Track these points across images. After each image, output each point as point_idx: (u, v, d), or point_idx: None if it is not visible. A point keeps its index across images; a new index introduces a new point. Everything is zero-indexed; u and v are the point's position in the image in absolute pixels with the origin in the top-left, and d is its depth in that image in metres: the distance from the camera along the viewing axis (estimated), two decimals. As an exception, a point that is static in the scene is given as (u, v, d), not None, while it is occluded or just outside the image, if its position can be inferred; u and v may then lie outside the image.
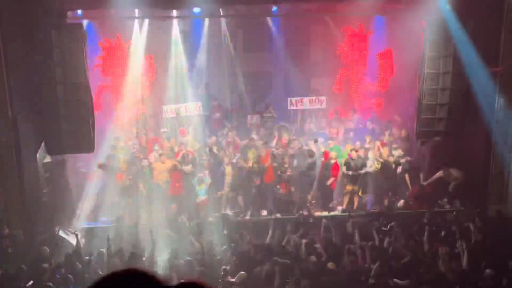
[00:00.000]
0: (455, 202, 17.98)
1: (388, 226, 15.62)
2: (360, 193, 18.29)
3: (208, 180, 18.01)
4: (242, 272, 12.87)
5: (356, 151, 18.20)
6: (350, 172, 17.99)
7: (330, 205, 18.36)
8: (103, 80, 20.55)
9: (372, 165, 18.21)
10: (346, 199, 18.30)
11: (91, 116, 16.12)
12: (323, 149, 18.72)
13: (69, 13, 16.67)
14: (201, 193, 17.96)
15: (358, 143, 19.06)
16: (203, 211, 17.58)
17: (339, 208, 18.26)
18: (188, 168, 17.97)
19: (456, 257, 13.46)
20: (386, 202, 18.09)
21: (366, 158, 18.35)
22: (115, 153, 18.58)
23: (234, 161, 18.23)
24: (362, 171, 18.06)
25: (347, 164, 18.15)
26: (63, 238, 16.05)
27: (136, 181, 17.77)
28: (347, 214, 17.42)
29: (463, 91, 16.94)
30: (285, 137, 19.99)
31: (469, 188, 17.79)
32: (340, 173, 18.33)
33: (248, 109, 21.70)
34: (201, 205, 17.89)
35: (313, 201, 18.27)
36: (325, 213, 17.80)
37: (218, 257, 14.14)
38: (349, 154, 18.27)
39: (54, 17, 15.55)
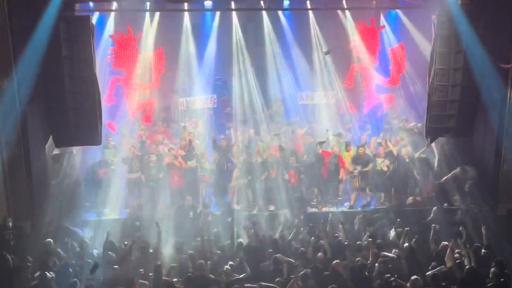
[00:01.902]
0: (466, 200, 17.73)
1: (397, 222, 15.52)
2: (368, 190, 18.22)
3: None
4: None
5: (363, 147, 18.09)
6: (358, 169, 17.91)
7: (336, 201, 18.38)
8: (115, 73, 20.56)
9: (378, 162, 18.13)
10: (353, 196, 18.23)
11: (98, 109, 16.19)
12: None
13: (78, 5, 16.69)
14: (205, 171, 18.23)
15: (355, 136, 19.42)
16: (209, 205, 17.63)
17: (347, 204, 18.20)
18: (192, 163, 18.05)
19: (464, 255, 13.29)
20: (394, 198, 17.94)
21: (372, 154, 18.32)
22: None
23: (242, 156, 18.33)
24: (369, 168, 17.98)
25: (354, 161, 18.05)
26: (70, 230, 16.04)
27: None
28: (355, 210, 17.52)
29: (474, 88, 16.75)
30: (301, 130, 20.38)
31: (479, 186, 17.54)
32: (346, 168, 18.35)
33: (257, 103, 21.61)
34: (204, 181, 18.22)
35: (319, 197, 18.27)
36: (333, 209, 17.71)
37: (221, 252, 14.06)
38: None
39: (63, 9, 15.50)
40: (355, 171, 17.99)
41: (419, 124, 19.61)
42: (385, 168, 18.03)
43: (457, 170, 17.86)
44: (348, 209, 17.88)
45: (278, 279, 12.37)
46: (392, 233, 14.94)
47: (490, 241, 14.00)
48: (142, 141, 19.39)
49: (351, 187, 18.46)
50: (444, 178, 18.08)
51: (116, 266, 13.04)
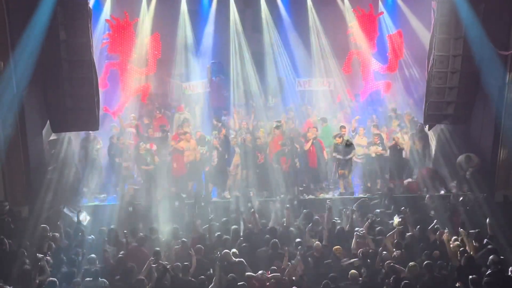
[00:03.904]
0: (463, 186, 17.72)
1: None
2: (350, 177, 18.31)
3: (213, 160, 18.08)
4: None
5: (341, 136, 18.02)
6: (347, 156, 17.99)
7: (331, 187, 18.51)
8: (110, 57, 20.42)
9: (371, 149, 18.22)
10: (342, 183, 18.27)
11: (96, 94, 16.06)
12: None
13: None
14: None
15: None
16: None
17: (337, 191, 18.31)
18: (204, 149, 18.13)
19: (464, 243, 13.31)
20: (392, 184, 17.93)
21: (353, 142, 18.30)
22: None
23: (240, 139, 18.35)
24: (350, 156, 17.99)
25: (336, 149, 18.09)
26: (67, 216, 16.00)
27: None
28: (353, 197, 17.64)
29: (473, 74, 16.74)
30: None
31: (476, 172, 17.56)
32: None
33: (254, 89, 21.55)
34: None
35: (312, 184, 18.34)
36: (329, 196, 17.79)
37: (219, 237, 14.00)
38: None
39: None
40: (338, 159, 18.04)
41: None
42: (372, 155, 18.10)
43: (462, 157, 17.84)
44: (338, 195, 17.93)
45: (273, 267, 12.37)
46: (395, 219, 14.88)
47: (495, 230, 13.95)
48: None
49: (337, 175, 18.44)
50: (461, 168, 17.95)
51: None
